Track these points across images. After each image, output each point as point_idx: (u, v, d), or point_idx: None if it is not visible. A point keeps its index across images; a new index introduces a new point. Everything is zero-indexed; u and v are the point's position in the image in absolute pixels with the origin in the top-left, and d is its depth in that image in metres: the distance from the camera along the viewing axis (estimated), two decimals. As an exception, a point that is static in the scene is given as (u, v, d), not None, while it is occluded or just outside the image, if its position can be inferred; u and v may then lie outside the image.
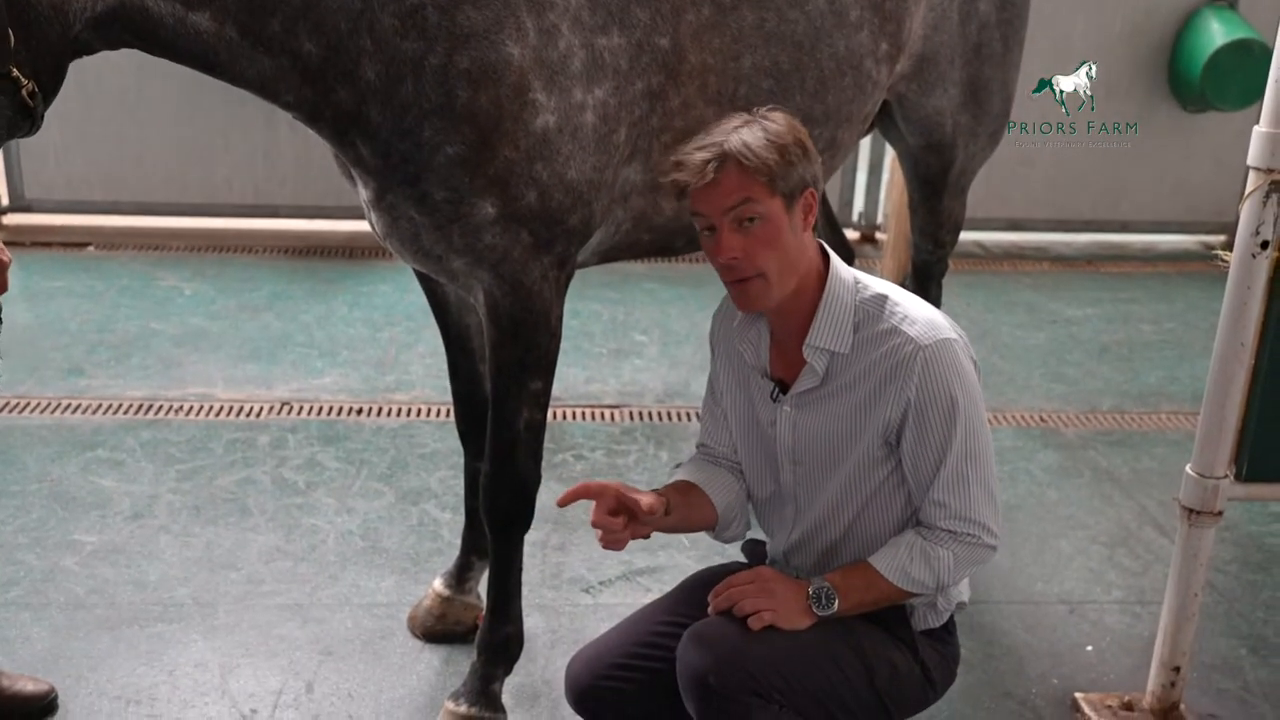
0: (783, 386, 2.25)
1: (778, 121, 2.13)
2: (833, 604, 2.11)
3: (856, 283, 2.20)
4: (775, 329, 2.26)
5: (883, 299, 2.17)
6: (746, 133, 2.09)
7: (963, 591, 2.30)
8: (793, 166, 2.09)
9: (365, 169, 2.36)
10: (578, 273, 2.60)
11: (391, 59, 2.22)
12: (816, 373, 2.18)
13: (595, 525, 2.10)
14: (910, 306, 2.17)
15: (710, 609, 2.16)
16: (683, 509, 2.25)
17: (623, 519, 2.11)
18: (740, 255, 2.08)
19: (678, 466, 2.44)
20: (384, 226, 2.46)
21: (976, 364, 2.20)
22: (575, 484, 2.14)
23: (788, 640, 2.09)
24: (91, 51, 2.10)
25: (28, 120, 2.03)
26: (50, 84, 2.04)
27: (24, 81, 1.96)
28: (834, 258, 2.22)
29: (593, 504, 2.11)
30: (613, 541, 2.12)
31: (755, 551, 2.44)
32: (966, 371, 2.14)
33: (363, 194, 2.46)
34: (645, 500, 2.13)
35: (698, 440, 2.46)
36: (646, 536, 2.20)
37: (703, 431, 2.45)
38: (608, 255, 2.69)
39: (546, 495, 2.65)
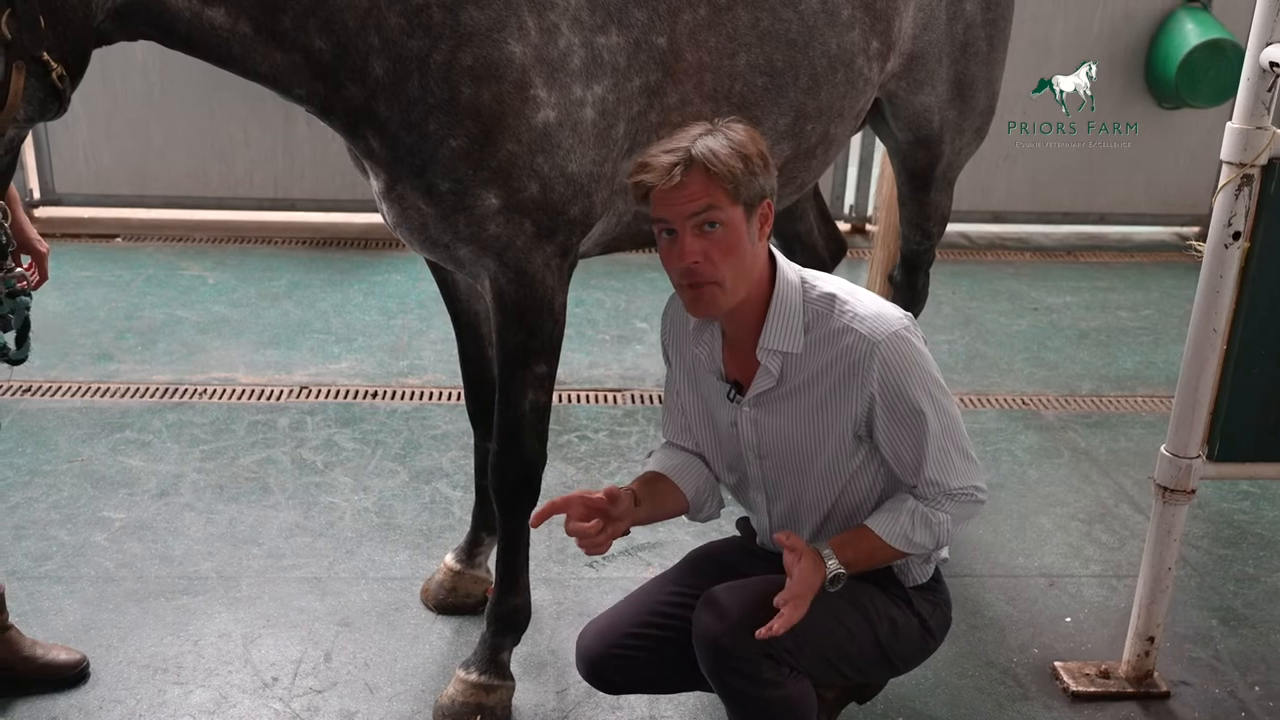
0: (739, 387, 2.23)
1: (739, 132, 2.08)
2: (843, 583, 2.12)
3: (804, 283, 2.17)
4: (728, 332, 2.23)
5: (831, 298, 2.14)
6: (711, 140, 2.04)
7: (944, 549, 2.31)
8: (755, 177, 2.05)
9: (375, 160, 2.36)
10: (582, 263, 2.59)
11: (398, 56, 2.21)
12: (772, 374, 2.16)
13: (570, 534, 2.10)
14: (857, 303, 2.14)
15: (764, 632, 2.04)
16: (651, 500, 2.25)
17: (597, 522, 2.10)
18: (701, 259, 2.04)
19: (649, 456, 2.43)
20: (394, 216, 2.45)
21: (924, 340, 2.17)
22: (544, 503, 2.13)
23: None
24: (111, 41, 2.10)
25: (56, 102, 2.02)
26: (76, 69, 2.03)
27: (53, 65, 1.96)
28: (780, 259, 2.19)
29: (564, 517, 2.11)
30: (593, 546, 2.12)
31: (749, 529, 2.44)
32: (922, 355, 2.12)
33: (374, 185, 2.45)
34: (609, 492, 2.13)
35: (662, 436, 2.44)
36: (626, 533, 2.19)
37: (665, 428, 2.43)
38: (610, 246, 2.69)
39: (553, 475, 2.65)
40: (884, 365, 2.08)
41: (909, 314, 2.17)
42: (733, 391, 2.23)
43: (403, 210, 2.40)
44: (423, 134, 2.25)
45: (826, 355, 2.12)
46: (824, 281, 2.19)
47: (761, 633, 2.01)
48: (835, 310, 2.13)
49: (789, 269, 2.18)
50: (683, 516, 2.37)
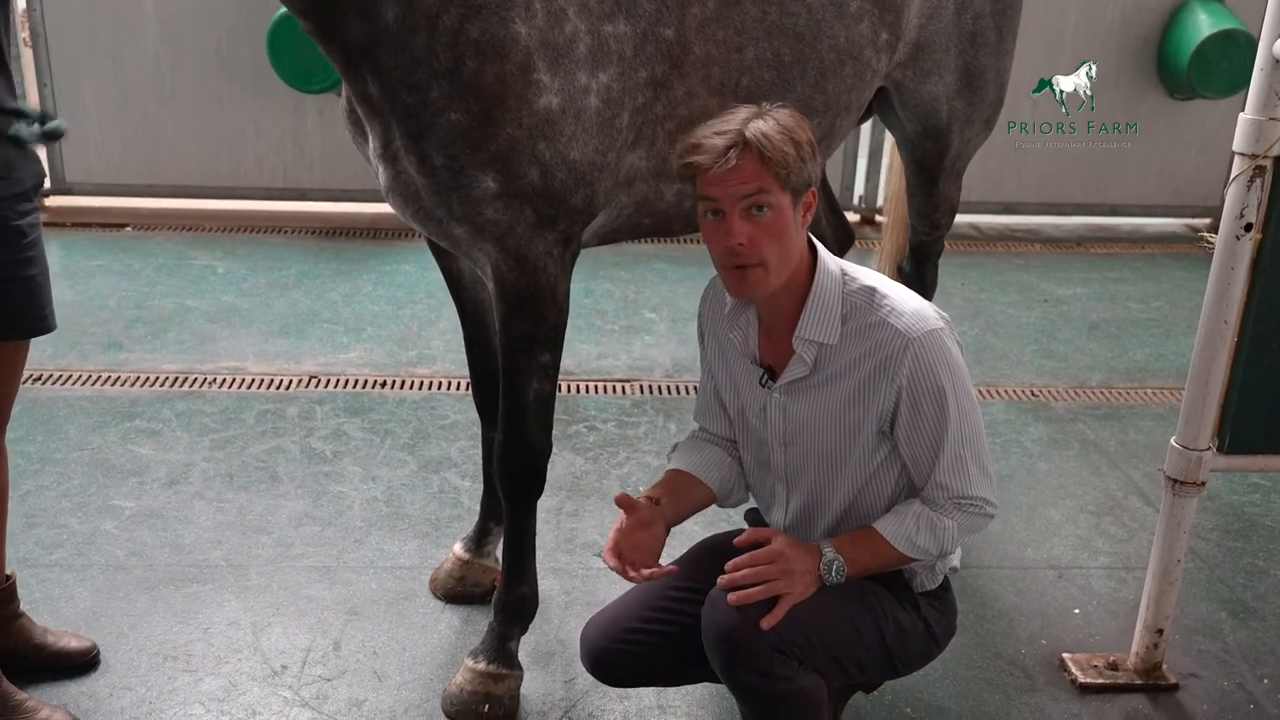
0: (771, 373, 2.23)
1: (788, 118, 2.08)
2: (842, 576, 2.11)
3: (844, 274, 2.18)
4: (764, 318, 2.23)
5: (870, 291, 2.14)
6: (762, 124, 2.05)
7: (955, 557, 2.30)
8: (804, 164, 2.06)
9: (373, 108, 2.33)
10: (590, 253, 2.58)
11: (410, 6, 2.18)
12: (806, 363, 2.16)
13: (647, 577, 2.10)
14: (897, 298, 2.14)
15: (726, 581, 2.08)
16: (673, 500, 2.26)
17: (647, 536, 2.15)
18: (746, 242, 2.06)
19: (673, 450, 2.43)
20: (388, 179, 2.42)
21: (962, 346, 2.18)
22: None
23: (809, 600, 2.09)
24: None
25: None
26: None
27: None
28: (821, 250, 2.19)
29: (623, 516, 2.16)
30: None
31: (759, 522, 2.44)
32: (955, 358, 2.12)
33: (371, 145, 2.43)
34: (623, 504, 2.18)
35: (695, 420, 2.46)
36: (666, 532, 2.22)
37: (697, 413, 2.44)
38: (608, 238, 2.66)
39: (561, 465, 2.65)
40: (915, 360, 2.08)
41: (947, 316, 2.17)
42: (765, 377, 2.23)
43: (395, 173, 2.38)
44: (423, 99, 2.23)
45: (861, 347, 2.12)
46: (864, 275, 2.19)
47: (766, 621, 2.01)
48: (874, 304, 2.13)
49: (830, 260, 2.19)
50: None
